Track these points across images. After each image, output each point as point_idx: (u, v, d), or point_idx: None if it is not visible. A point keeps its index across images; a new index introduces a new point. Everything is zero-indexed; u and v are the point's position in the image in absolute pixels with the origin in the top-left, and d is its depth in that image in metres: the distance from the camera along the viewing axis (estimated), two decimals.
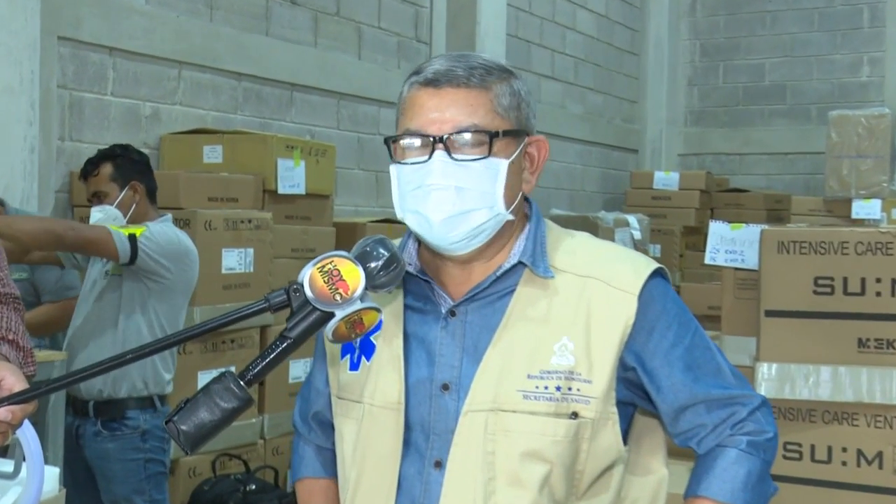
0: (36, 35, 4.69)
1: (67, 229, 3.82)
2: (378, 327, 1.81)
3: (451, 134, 1.70)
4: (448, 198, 1.70)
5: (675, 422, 1.78)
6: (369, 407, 1.79)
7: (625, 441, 1.78)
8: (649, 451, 1.84)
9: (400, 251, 1.73)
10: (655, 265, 1.80)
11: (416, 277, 1.82)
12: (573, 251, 1.81)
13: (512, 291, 1.77)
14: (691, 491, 1.77)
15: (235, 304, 4.65)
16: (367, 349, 1.82)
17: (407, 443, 1.76)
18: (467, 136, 1.70)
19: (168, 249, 3.94)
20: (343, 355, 1.86)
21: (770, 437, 1.78)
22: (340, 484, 1.88)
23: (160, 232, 3.94)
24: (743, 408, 1.77)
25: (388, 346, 1.80)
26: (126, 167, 4.08)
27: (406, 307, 1.82)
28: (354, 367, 1.83)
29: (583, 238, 1.87)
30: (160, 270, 3.92)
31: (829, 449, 3.08)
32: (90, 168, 4.10)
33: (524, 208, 1.85)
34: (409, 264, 1.82)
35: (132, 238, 3.82)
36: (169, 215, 4.16)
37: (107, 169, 4.06)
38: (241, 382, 1.56)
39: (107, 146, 4.26)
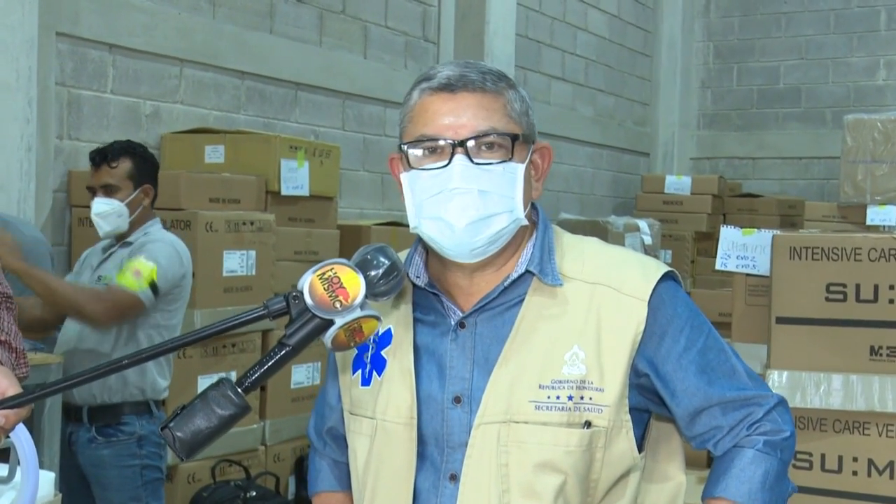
0: (34, 31, 4.64)
1: (94, 302, 3.77)
2: (388, 342, 1.82)
3: (471, 138, 1.70)
4: (471, 202, 1.69)
5: (690, 425, 1.78)
6: (381, 422, 1.80)
7: (641, 448, 1.79)
8: (666, 458, 1.85)
9: (406, 264, 1.78)
10: (665, 268, 1.80)
11: (424, 290, 1.82)
12: (581, 257, 1.81)
13: (521, 301, 1.77)
14: (709, 492, 1.77)
15: (236, 308, 4.63)
16: (379, 364, 1.83)
17: (422, 457, 1.77)
18: (487, 139, 1.71)
19: (177, 274, 3.94)
20: (354, 371, 1.86)
21: (787, 437, 1.78)
22: (355, 499, 1.89)
23: (166, 258, 3.88)
24: (759, 408, 1.77)
25: (399, 360, 1.80)
26: (145, 168, 4.02)
27: (415, 320, 1.82)
28: (366, 382, 1.84)
29: (591, 243, 1.87)
30: (170, 295, 3.91)
31: (840, 459, 3.08)
32: (109, 157, 3.97)
33: (531, 215, 1.85)
34: (417, 277, 1.82)
35: (153, 286, 3.81)
36: (157, 219, 4.08)
37: (126, 164, 3.97)
38: (239, 390, 1.55)
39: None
